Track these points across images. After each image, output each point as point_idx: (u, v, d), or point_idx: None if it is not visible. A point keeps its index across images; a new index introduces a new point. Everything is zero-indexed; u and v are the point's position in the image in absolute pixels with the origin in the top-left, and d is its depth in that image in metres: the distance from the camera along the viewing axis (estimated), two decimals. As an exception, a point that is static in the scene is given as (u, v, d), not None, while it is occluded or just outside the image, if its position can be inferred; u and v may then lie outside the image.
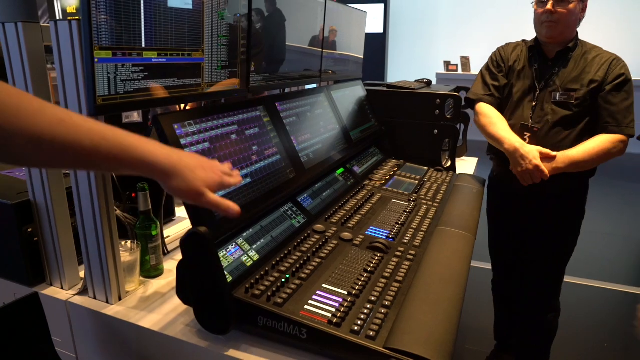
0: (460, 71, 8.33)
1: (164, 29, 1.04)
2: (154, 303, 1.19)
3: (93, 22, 0.88)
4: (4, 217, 1.17)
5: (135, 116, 2.66)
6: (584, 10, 1.84)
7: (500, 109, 1.98)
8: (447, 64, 8.45)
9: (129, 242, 1.28)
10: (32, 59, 1.06)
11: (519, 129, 1.88)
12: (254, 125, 1.31)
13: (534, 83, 1.89)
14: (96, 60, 0.88)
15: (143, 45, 0.99)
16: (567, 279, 2.21)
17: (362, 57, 2.62)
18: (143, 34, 0.99)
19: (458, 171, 2.24)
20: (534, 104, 1.88)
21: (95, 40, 0.89)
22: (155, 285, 1.28)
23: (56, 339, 1.22)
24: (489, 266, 2.37)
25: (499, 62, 2.01)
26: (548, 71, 1.88)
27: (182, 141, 1.02)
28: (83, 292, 1.22)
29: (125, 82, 0.97)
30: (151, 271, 1.31)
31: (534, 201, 1.96)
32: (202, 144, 1.09)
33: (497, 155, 2.01)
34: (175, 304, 1.17)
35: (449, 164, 2.34)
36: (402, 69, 9.02)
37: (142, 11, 0.97)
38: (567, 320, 2.63)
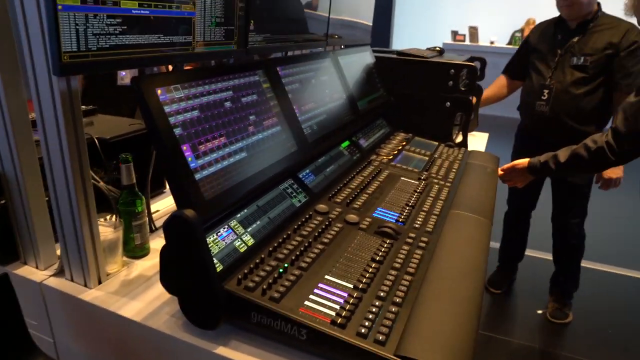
0: (468, 41, 8.06)
1: (147, -26, 0.88)
2: (138, 288, 1.07)
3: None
4: (-32, 188, 1.04)
5: (128, 78, 2.49)
6: None
7: (521, 76, 2.48)
8: (454, 33, 8.17)
9: (113, 216, 1.15)
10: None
11: (538, 88, 2.26)
12: (252, 92, 1.16)
13: (556, 50, 2.25)
14: (60, 7, 0.73)
15: (121, -7, 0.84)
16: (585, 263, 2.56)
17: (370, 23, 2.43)
18: (121, -21, 0.83)
19: (469, 147, 2.10)
20: (554, 67, 2.24)
21: (60, -18, 0.74)
22: (140, 266, 1.16)
23: (32, 321, 1.11)
24: (494, 245, 2.31)
25: (524, 38, 2.49)
26: (569, 40, 2.22)
27: (167, 108, 0.87)
28: (60, 273, 1.10)
29: (98, 37, 0.81)
30: (136, 251, 1.19)
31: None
32: (191, 112, 0.94)
33: (525, 112, 2.42)
34: (161, 289, 1.03)
35: (460, 139, 2.19)
36: (408, 39, 8.72)
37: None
38: (585, 307, 2.67)
